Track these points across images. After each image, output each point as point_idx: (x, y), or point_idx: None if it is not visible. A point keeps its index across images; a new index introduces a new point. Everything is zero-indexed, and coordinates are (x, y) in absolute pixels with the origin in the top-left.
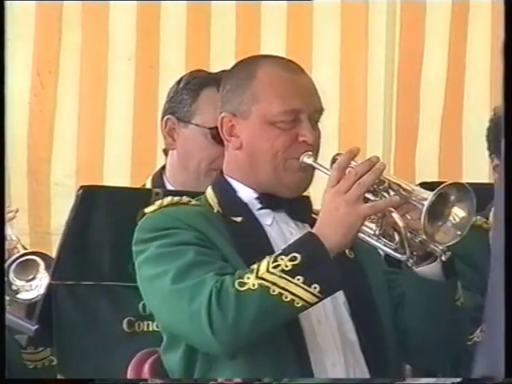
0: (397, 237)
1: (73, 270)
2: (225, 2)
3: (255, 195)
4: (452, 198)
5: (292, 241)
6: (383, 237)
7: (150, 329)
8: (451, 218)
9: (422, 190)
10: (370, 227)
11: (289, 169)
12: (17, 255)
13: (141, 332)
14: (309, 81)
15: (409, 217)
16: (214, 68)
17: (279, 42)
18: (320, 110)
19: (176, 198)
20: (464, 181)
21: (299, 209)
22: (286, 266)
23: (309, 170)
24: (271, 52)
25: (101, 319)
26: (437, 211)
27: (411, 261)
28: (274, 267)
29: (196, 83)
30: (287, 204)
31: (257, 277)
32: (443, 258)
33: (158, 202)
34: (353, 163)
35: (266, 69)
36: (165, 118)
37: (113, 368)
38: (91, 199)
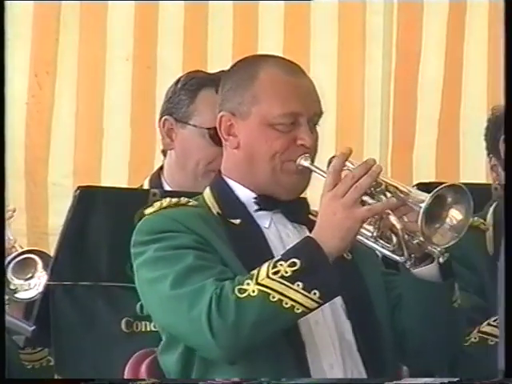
0: (394, 239)
1: (70, 270)
2: (222, 2)
3: (253, 196)
4: (449, 200)
5: (291, 246)
6: (381, 239)
7: (148, 329)
8: (448, 220)
9: (419, 192)
10: (368, 229)
11: (286, 171)
12: (15, 254)
13: (139, 332)
14: (309, 84)
15: (406, 219)
16: (212, 68)
17: (277, 42)
18: (319, 114)
19: (175, 200)
20: (461, 181)
21: (296, 210)
22: (286, 272)
23: (306, 173)
24: (269, 52)
25: (98, 320)
26: (434, 213)
27: (409, 263)
28: (274, 273)
29: (194, 84)
30: (284, 206)
31: (256, 283)
32: (441, 260)
33: (157, 204)
34: (349, 165)
35: (268, 70)
36: (163, 118)
37: (110, 368)
38: (89, 200)
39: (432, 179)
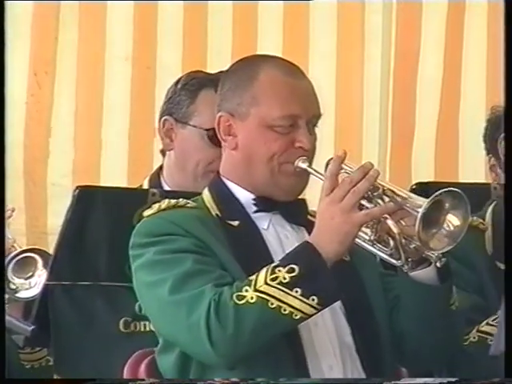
0: (391, 242)
1: (69, 270)
2: (222, 2)
3: (252, 197)
4: (447, 205)
5: (289, 251)
6: (378, 242)
7: (147, 329)
8: (445, 226)
9: (417, 197)
10: (365, 232)
11: (284, 172)
12: (14, 253)
13: (137, 332)
14: (309, 85)
15: (403, 223)
16: (211, 68)
17: (276, 42)
18: (318, 116)
19: (173, 201)
20: (460, 181)
21: (295, 212)
22: (284, 279)
23: (304, 175)
24: (268, 52)
25: (97, 319)
26: (431, 218)
27: (406, 266)
28: (272, 279)
29: (194, 84)
30: (283, 207)
31: (255, 289)
32: (438, 265)
33: (155, 206)
34: (347, 168)
35: (268, 72)
36: (162, 118)
37: (109, 368)
38: (88, 199)
39: (431, 179)
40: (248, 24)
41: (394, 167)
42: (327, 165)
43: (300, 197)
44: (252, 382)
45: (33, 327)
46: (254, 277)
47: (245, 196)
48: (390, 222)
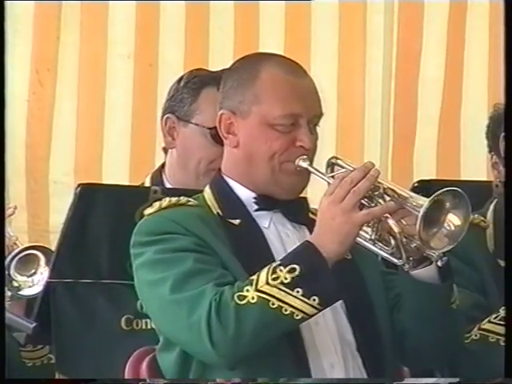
0: (393, 241)
1: (71, 267)
2: (223, 2)
3: (253, 195)
4: (448, 204)
5: (290, 250)
6: (379, 241)
7: (149, 327)
8: (446, 225)
9: (418, 196)
10: (366, 231)
11: (285, 171)
12: (17, 251)
13: (139, 330)
14: (311, 84)
15: (404, 222)
16: (213, 66)
17: (277, 42)
18: (319, 115)
19: (174, 199)
20: (462, 179)
21: (296, 210)
22: (286, 279)
23: (305, 173)
24: (269, 51)
25: (99, 317)
26: (432, 217)
27: (407, 265)
28: (273, 279)
29: (196, 82)
30: (284, 205)
31: (256, 289)
32: (439, 264)
33: (156, 204)
34: (348, 167)
35: (270, 70)
36: (165, 116)
37: (111, 366)
38: (90, 197)
39: (433, 176)
40: (250, 24)
41: (396, 166)
42: (328, 163)
43: (302, 195)
44: (253, 382)
45: (34, 324)
46: (255, 277)
47: (246, 194)
48: (390, 222)
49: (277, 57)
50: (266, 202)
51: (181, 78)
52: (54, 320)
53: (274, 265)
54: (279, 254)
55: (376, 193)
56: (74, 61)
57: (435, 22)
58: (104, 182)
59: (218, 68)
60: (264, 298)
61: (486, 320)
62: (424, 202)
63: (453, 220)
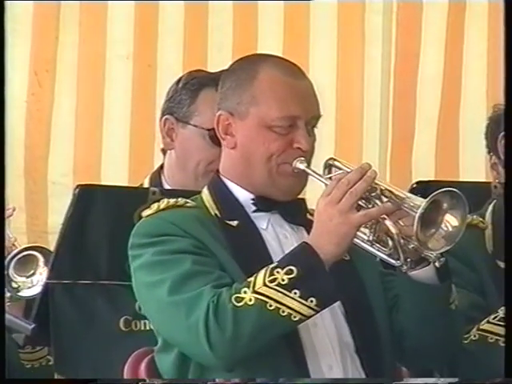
0: (390, 243)
1: (70, 268)
2: (222, 2)
3: (251, 197)
4: (445, 205)
5: (287, 251)
6: (377, 242)
7: (147, 328)
8: (444, 226)
9: (415, 197)
10: (364, 233)
11: (282, 173)
12: (15, 251)
13: (137, 331)
14: (309, 86)
15: (402, 223)
16: (212, 67)
17: (276, 42)
18: (317, 117)
19: (172, 201)
20: (461, 179)
21: (294, 211)
22: (283, 280)
23: (302, 175)
24: (268, 52)
25: (98, 318)
26: (429, 218)
27: (405, 266)
28: (271, 281)
29: (195, 83)
30: (282, 207)
31: (253, 291)
32: (437, 265)
33: (154, 206)
34: (345, 169)
35: (268, 71)
36: (163, 117)
37: (109, 367)
38: (88, 198)
39: (431, 177)
40: (248, 24)
41: (395, 167)
42: (325, 165)
43: (300, 196)
44: (252, 382)
45: (33, 325)
46: (252, 278)
47: (244, 195)
48: (388, 223)
49: (275, 58)
50: (263, 203)
51: (179, 80)
52: (53, 321)
53: (271, 266)
54: (277, 255)
55: (373, 194)
56: (72, 61)
57: (434, 22)
58: (103, 182)
59: (216, 68)
60: (261, 300)
61: (485, 320)
62: (421, 202)
63: (450, 221)
